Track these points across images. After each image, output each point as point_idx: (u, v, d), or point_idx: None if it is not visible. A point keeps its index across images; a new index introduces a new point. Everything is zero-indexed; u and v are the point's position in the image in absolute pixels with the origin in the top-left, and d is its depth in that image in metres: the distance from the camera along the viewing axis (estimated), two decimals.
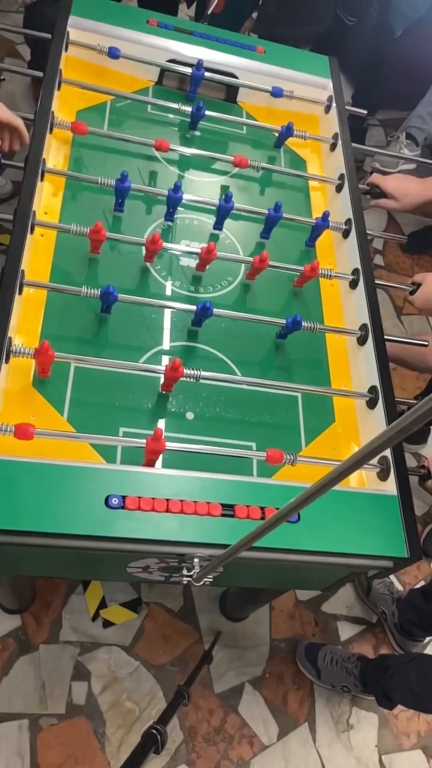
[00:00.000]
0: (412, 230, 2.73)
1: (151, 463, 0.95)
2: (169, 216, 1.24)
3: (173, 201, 1.20)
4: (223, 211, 1.22)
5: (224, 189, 1.36)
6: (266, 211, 1.25)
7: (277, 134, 1.44)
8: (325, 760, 1.68)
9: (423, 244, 2.70)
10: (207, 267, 1.19)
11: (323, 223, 1.27)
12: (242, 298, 1.22)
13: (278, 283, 1.24)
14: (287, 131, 1.40)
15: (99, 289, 1.04)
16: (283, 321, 1.13)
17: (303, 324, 1.11)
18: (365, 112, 1.58)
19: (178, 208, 1.24)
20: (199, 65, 1.38)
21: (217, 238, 1.27)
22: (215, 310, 1.08)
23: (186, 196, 1.21)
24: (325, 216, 1.27)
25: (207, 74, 1.41)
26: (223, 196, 1.20)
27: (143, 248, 1.16)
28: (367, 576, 1.87)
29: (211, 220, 1.28)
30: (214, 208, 1.25)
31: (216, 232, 1.27)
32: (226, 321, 1.14)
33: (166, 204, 1.22)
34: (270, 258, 1.17)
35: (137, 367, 1.03)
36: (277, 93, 1.44)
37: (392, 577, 1.97)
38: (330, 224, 1.29)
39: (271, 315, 1.15)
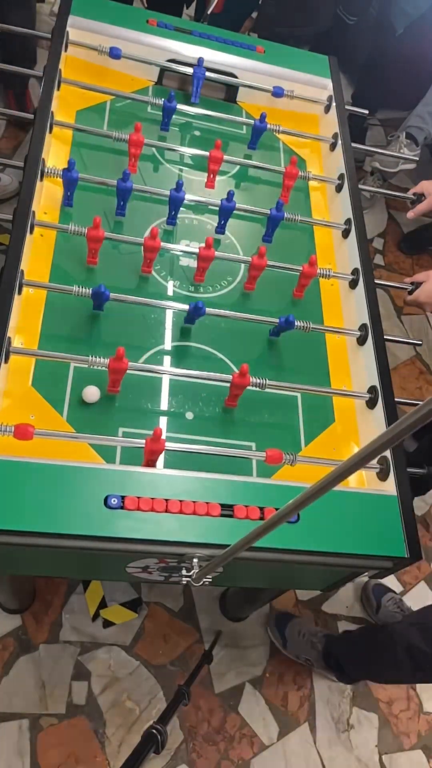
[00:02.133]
0: (410, 230, 2.73)
1: (151, 464, 0.95)
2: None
3: (175, 201, 1.19)
4: (225, 211, 1.22)
5: (225, 189, 1.35)
6: (268, 211, 1.25)
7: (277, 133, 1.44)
8: (325, 760, 1.68)
9: (421, 243, 2.70)
10: (205, 274, 1.19)
11: (278, 213, 1.25)
12: (242, 298, 1.22)
13: (278, 283, 1.24)
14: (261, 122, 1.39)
15: (90, 289, 1.04)
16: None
17: (296, 323, 1.11)
18: (367, 111, 1.58)
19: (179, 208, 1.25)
20: (199, 63, 1.38)
21: (218, 243, 1.27)
22: (208, 310, 1.08)
23: (187, 196, 1.20)
24: (279, 206, 1.25)
25: (207, 74, 1.41)
26: (226, 196, 1.20)
27: (142, 252, 1.15)
28: (374, 593, 1.88)
29: (211, 219, 1.28)
30: (213, 208, 1.25)
31: (219, 236, 1.27)
32: (226, 321, 1.14)
33: (167, 204, 1.22)
34: (272, 261, 1.17)
35: (137, 367, 1.03)
36: (278, 93, 1.44)
37: (393, 586, 1.97)
38: (285, 215, 1.26)
39: (270, 315, 1.15)
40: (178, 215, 1.25)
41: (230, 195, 1.19)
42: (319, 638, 1.71)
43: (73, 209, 1.20)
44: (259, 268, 1.17)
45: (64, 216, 1.18)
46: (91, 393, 1.01)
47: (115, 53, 1.34)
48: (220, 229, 1.26)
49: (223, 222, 1.25)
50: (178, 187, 1.18)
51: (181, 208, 1.25)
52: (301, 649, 1.72)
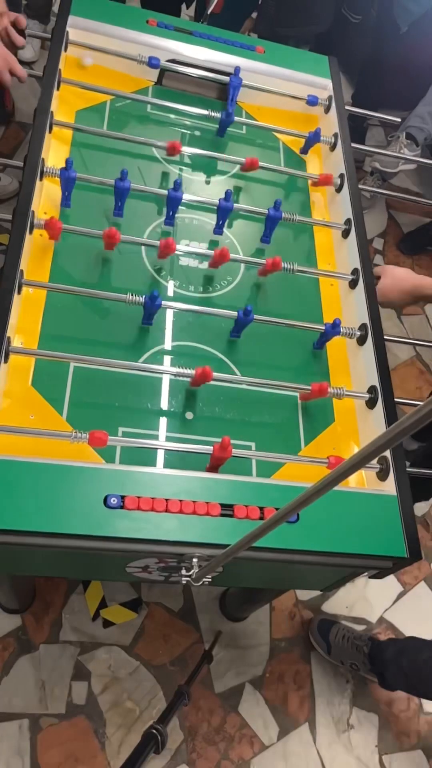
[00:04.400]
0: (409, 230, 2.74)
1: (214, 469, 0.96)
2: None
3: (174, 200, 1.19)
4: (223, 211, 1.22)
5: (224, 188, 1.35)
6: (266, 211, 1.25)
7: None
8: (325, 760, 1.68)
9: (420, 243, 2.71)
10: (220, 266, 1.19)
11: (276, 213, 1.24)
12: (242, 297, 1.22)
13: (278, 283, 1.24)
14: (314, 137, 1.40)
15: (144, 296, 1.04)
16: (282, 321, 1.13)
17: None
18: (371, 113, 1.58)
19: (179, 207, 1.24)
20: (236, 72, 1.38)
21: (216, 243, 1.27)
22: (208, 309, 1.09)
23: (186, 196, 1.21)
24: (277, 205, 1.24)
25: (207, 74, 1.41)
26: (223, 195, 1.20)
27: (156, 248, 1.15)
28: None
29: (211, 219, 1.28)
30: (213, 207, 1.25)
31: (216, 237, 1.27)
32: (225, 321, 1.14)
33: (165, 205, 1.22)
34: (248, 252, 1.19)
35: (137, 367, 1.03)
36: (312, 102, 1.46)
37: (393, 586, 1.97)
38: (282, 215, 1.25)
39: (271, 315, 1.15)
40: (178, 215, 1.25)
41: (228, 194, 1.19)
42: (365, 641, 1.70)
43: (71, 210, 1.20)
44: (273, 271, 1.18)
45: (63, 217, 1.18)
46: None
47: (153, 63, 1.35)
48: (218, 229, 1.26)
49: (221, 222, 1.25)
50: (176, 186, 1.17)
51: (181, 208, 1.25)
52: (346, 655, 1.71)
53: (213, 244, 1.26)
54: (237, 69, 1.39)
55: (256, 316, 1.14)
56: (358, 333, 1.17)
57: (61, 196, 1.18)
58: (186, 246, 1.21)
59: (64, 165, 1.13)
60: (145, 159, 1.33)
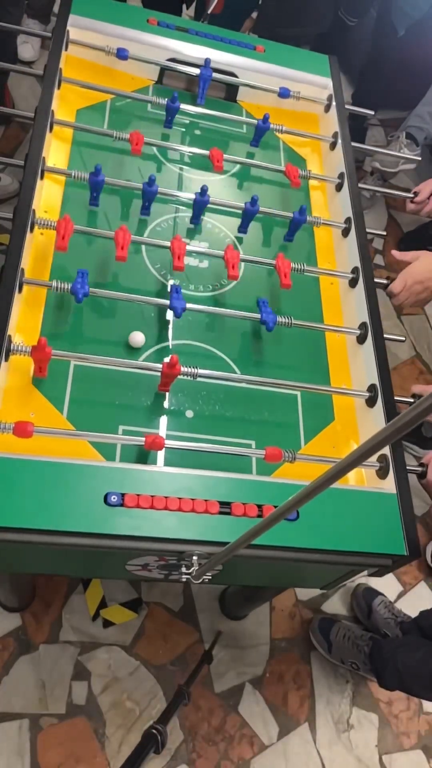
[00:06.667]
0: (409, 230, 2.74)
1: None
2: (145, 210, 1.23)
3: (200, 204, 1.21)
4: (199, 205, 1.22)
5: (223, 188, 1.36)
6: (269, 210, 1.26)
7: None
8: (325, 760, 1.68)
9: (419, 243, 2.70)
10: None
11: (300, 217, 1.25)
12: (241, 295, 1.21)
13: (278, 282, 1.24)
14: (264, 123, 1.39)
15: (70, 284, 1.03)
16: (283, 319, 1.13)
17: (279, 319, 1.12)
18: (371, 112, 1.58)
19: (179, 207, 1.25)
20: (206, 64, 1.38)
21: (194, 233, 1.27)
22: (208, 309, 1.09)
23: (186, 195, 1.21)
24: (302, 210, 1.25)
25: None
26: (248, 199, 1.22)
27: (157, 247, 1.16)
28: (365, 597, 1.84)
29: (211, 218, 1.28)
30: (213, 207, 1.25)
31: (192, 226, 1.27)
32: (225, 319, 1.14)
33: (191, 207, 1.23)
34: (251, 253, 1.19)
35: (137, 365, 1.03)
36: (284, 94, 1.44)
37: (393, 586, 1.97)
38: (306, 219, 1.27)
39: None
40: (178, 215, 1.26)
41: (203, 190, 1.20)
42: (366, 641, 1.70)
43: (72, 206, 1.20)
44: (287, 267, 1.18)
45: (90, 215, 1.19)
46: (137, 339, 1.07)
47: (122, 54, 1.34)
48: (195, 220, 1.26)
49: (197, 213, 1.25)
50: (203, 192, 1.19)
51: (181, 207, 1.25)
52: (347, 654, 1.71)
53: (214, 244, 1.27)
54: (207, 61, 1.39)
55: (258, 315, 1.14)
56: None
57: (89, 197, 1.20)
58: (186, 245, 1.21)
59: (65, 164, 1.13)
60: (146, 158, 1.33)
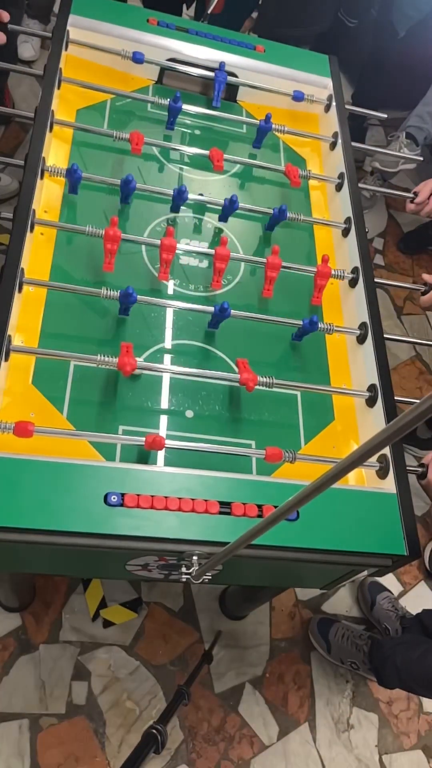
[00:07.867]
0: (409, 230, 2.74)
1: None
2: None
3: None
4: (177, 202, 1.23)
5: (223, 187, 1.36)
6: (270, 210, 1.26)
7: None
8: (325, 760, 1.68)
9: (419, 242, 2.71)
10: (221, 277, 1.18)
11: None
12: (241, 296, 1.22)
13: (278, 281, 1.24)
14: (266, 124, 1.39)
15: (118, 291, 1.04)
16: (289, 321, 1.13)
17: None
18: (372, 112, 1.58)
19: (180, 207, 1.25)
20: (221, 67, 1.38)
21: (174, 222, 1.26)
22: (208, 308, 1.08)
23: (191, 197, 1.21)
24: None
25: (207, 73, 1.41)
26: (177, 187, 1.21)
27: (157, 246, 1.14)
28: (370, 590, 1.87)
29: (211, 218, 1.28)
30: (213, 207, 1.25)
31: (172, 214, 1.27)
32: (225, 320, 1.14)
33: (170, 201, 1.22)
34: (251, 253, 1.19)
35: (137, 365, 1.03)
36: (298, 97, 1.45)
37: (393, 585, 1.97)
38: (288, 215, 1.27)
39: (270, 314, 1.15)
40: (178, 215, 1.26)
41: (182, 189, 1.20)
42: (365, 640, 1.70)
43: (72, 206, 1.20)
44: (276, 267, 1.16)
45: (69, 206, 1.19)
46: None
47: (137, 58, 1.34)
48: (175, 207, 1.26)
49: (175, 204, 1.24)
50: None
51: (182, 207, 1.25)
52: (346, 654, 1.71)
53: (214, 243, 1.27)
54: (222, 64, 1.40)
55: (259, 315, 1.14)
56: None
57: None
58: (186, 245, 1.21)
59: (65, 164, 1.13)
60: (146, 158, 1.33)
